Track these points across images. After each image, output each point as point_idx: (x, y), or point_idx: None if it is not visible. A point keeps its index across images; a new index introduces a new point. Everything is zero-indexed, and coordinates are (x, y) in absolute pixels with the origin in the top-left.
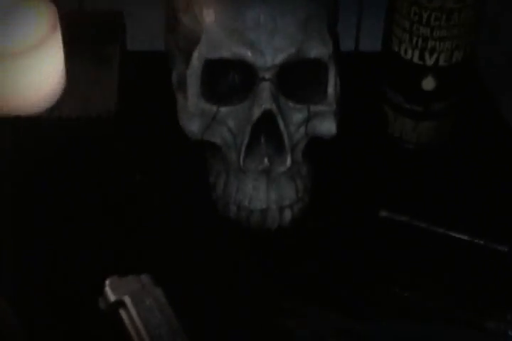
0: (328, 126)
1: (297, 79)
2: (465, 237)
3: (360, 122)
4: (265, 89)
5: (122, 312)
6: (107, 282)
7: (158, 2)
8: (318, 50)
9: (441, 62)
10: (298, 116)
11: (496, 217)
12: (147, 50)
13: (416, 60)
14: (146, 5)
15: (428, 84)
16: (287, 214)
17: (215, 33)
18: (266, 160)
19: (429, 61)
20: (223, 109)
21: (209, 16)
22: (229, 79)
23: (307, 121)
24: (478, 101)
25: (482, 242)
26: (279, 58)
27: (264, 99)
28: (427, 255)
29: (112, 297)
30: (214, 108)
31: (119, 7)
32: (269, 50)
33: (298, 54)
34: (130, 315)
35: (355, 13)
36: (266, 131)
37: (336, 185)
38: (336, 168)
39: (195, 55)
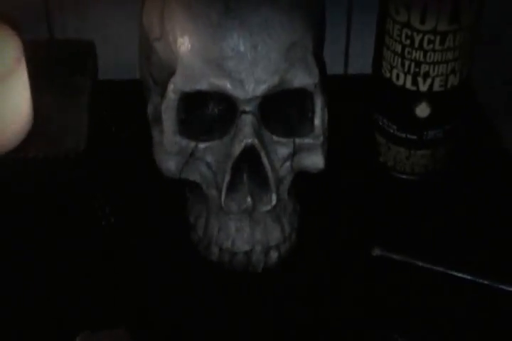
0: (315, 160)
1: (281, 110)
2: (468, 277)
3: (350, 152)
4: (246, 122)
5: None
6: (78, 338)
7: (132, 28)
8: (302, 79)
9: (436, 88)
10: (283, 150)
11: (500, 254)
12: (122, 78)
13: (409, 85)
14: (120, 31)
15: (422, 111)
16: (273, 256)
17: (190, 63)
18: (249, 199)
19: (423, 87)
20: (202, 145)
21: (184, 45)
22: (207, 113)
23: (293, 155)
24: (476, 127)
25: (486, 282)
26: (261, 89)
27: (246, 134)
28: (426, 296)
29: None
30: (192, 144)
31: (91, 33)
32: (250, 81)
33: (281, 84)
34: None
35: (343, 33)
36: (248, 167)
37: (325, 222)
38: (325, 202)
39: (170, 87)
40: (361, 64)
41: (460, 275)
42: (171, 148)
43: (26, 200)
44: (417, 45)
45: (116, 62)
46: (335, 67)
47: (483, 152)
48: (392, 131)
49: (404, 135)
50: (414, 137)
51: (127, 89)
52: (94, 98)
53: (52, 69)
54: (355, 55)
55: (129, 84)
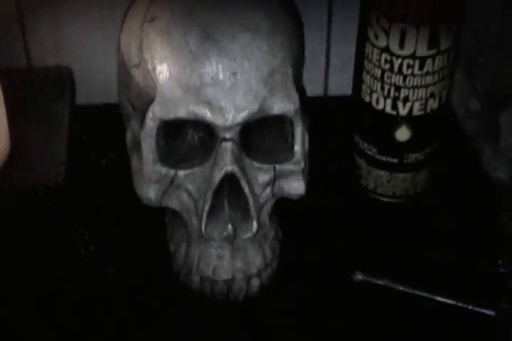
0: (296, 186)
1: (261, 137)
2: (448, 301)
3: (331, 176)
4: (226, 149)
5: None
6: None
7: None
8: (283, 105)
9: (416, 112)
10: (263, 176)
11: (480, 277)
12: (101, 102)
13: (388, 109)
14: (98, 55)
15: (402, 134)
16: (255, 283)
17: (169, 90)
18: (230, 226)
19: (403, 111)
20: (181, 173)
21: (163, 72)
22: (187, 140)
23: (273, 181)
24: (455, 149)
25: (466, 306)
26: (241, 116)
27: (226, 161)
28: (408, 321)
29: None
30: (171, 172)
31: (70, 59)
32: (230, 108)
33: (261, 111)
34: None
35: (322, 55)
36: (229, 194)
37: (306, 247)
38: (306, 227)
39: (149, 115)
40: (341, 85)
41: (441, 299)
42: (150, 176)
43: (3, 230)
44: (396, 69)
45: (95, 86)
46: (315, 89)
47: (463, 174)
48: (372, 154)
49: (384, 158)
50: (395, 160)
51: (106, 113)
52: (72, 125)
53: (30, 96)
54: (335, 77)
55: (109, 108)
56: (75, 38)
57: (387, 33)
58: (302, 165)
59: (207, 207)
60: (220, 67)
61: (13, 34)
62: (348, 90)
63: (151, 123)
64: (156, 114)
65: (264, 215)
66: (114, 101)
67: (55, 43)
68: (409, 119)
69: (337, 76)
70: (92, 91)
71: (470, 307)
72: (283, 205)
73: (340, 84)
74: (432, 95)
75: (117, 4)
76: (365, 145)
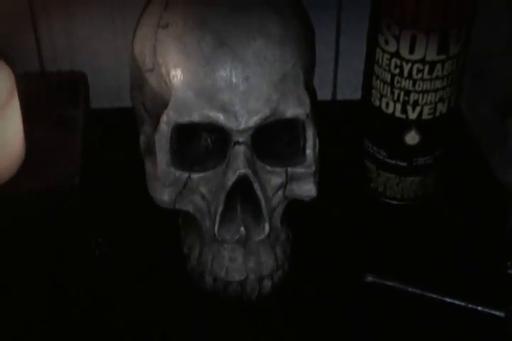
0: (307, 189)
1: (273, 140)
2: (458, 302)
3: (341, 179)
4: (239, 153)
5: None
6: None
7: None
8: (294, 109)
9: (425, 116)
10: (275, 179)
11: (490, 280)
12: (114, 106)
13: (398, 113)
14: (110, 61)
15: (412, 138)
16: (267, 284)
17: (183, 95)
18: (242, 228)
19: (412, 115)
20: (195, 176)
21: (177, 77)
22: (200, 144)
23: (285, 184)
24: (463, 153)
25: (476, 307)
26: (254, 120)
27: (239, 164)
28: (419, 323)
29: None
30: (185, 175)
31: (83, 63)
32: (243, 112)
33: (273, 114)
34: None
35: (331, 60)
36: (241, 197)
37: (317, 249)
38: (317, 229)
39: (164, 119)
40: (349, 90)
41: (451, 300)
42: (164, 179)
43: (19, 234)
44: (406, 74)
45: (107, 90)
46: (323, 93)
47: (471, 177)
48: (382, 157)
49: (394, 162)
50: (404, 164)
51: (119, 117)
52: (86, 129)
53: (44, 101)
54: (343, 82)
55: (122, 112)
56: (88, 42)
57: (397, 39)
58: (314, 168)
59: (220, 210)
60: (234, 72)
61: (26, 38)
62: (357, 94)
63: (165, 126)
64: (170, 117)
65: (276, 217)
66: (127, 105)
67: (68, 47)
68: (419, 123)
69: (346, 80)
70: (105, 95)
71: (479, 308)
72: (294, 207)
73: (349, 89)
74: (441, 99)
75: (130, 9)
76: (375, 148)
